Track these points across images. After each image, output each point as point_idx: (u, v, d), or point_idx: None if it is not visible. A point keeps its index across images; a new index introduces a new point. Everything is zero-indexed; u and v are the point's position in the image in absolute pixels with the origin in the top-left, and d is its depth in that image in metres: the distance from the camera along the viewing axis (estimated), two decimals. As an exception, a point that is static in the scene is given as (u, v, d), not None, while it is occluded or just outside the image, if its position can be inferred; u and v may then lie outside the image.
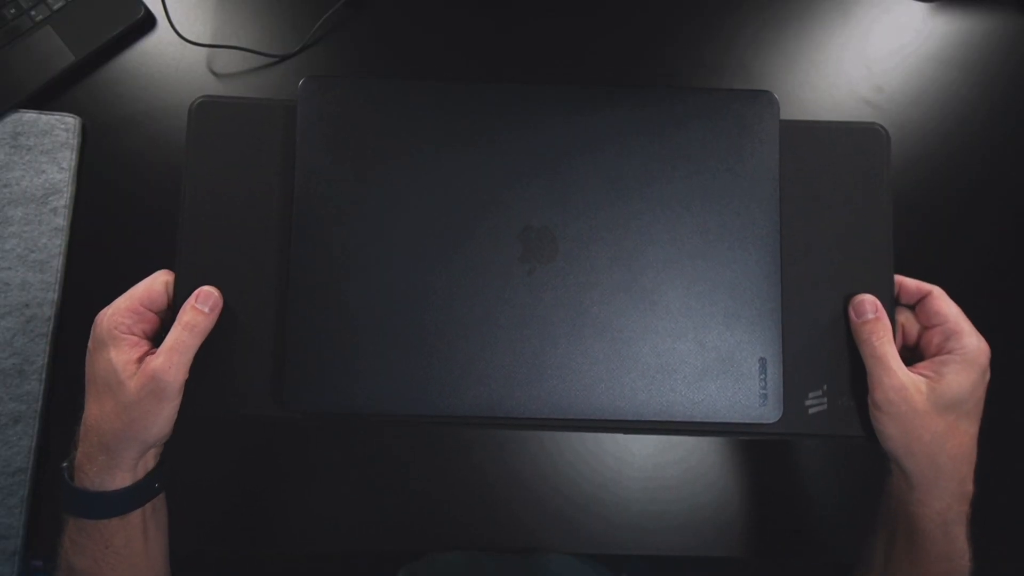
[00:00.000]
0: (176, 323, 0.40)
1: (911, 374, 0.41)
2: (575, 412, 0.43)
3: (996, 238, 0.55)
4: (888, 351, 0.41)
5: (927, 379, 0.41)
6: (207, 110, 0.47)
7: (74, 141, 0.53)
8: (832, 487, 0.54)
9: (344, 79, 0.45)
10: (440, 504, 0.52)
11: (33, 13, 0.54)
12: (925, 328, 0.44)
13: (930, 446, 0.40)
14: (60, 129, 0.53)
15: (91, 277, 0.53)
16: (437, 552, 0.53)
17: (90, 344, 0.40)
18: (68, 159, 0.53)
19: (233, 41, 0.56)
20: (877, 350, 0.41)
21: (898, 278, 0.44)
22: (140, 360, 0.39)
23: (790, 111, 0.56)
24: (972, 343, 0.42)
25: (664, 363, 0.43)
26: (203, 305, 0.41)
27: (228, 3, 0.57)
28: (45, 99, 0.54)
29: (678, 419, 0.43)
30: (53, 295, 0.52)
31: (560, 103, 0.45)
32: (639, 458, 0.53)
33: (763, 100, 0.45)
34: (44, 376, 0.51)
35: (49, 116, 0.53)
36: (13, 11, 0.54)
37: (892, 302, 0.45)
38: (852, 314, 0.43)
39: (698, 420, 0.42)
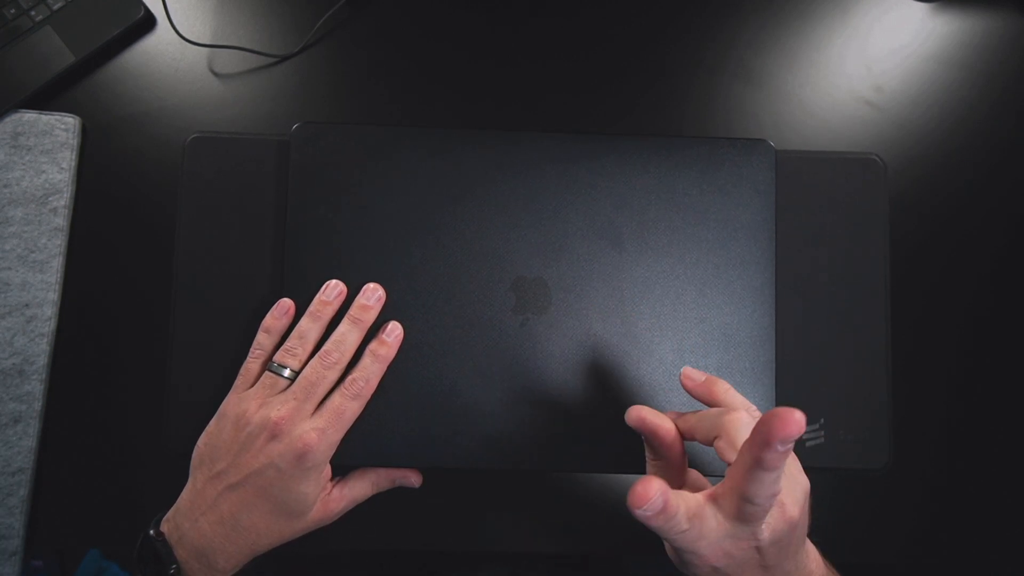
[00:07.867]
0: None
1: None
2: (568, 465, 0.43)
3: (995, 238, 0.55)
4: None
5: None
6: (201, 146, 0.46)
7: (74, 141, 0.53)
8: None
9: (337, 126, 0.44)
10: (451, 505, 0.52)
11: (33, 13, 0.54)
12: None
13: None
14: (60, 129, 0.53)
15: (91, 277, 0.53)
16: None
17: (288, 463, 0.39)
18: (68, 159, 0.53)
19: (233, 41, 0.56)
20: None
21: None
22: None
23: (790, 111, 0.56)
24: None
25: None
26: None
27: (228, 3, 0.57)
28: (45, 99, 0.54)
29: None
30: (53, 295, 0.52)
31: (554, 152, 0.44)
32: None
33: (759, 149, 0.45)
34: (44, 376, 0.51)
35: (49, 116, 0.53)
36: (13, 11, 0.54)
37: (887, 333, 0.45)
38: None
39: (695, 467, 0.41)
